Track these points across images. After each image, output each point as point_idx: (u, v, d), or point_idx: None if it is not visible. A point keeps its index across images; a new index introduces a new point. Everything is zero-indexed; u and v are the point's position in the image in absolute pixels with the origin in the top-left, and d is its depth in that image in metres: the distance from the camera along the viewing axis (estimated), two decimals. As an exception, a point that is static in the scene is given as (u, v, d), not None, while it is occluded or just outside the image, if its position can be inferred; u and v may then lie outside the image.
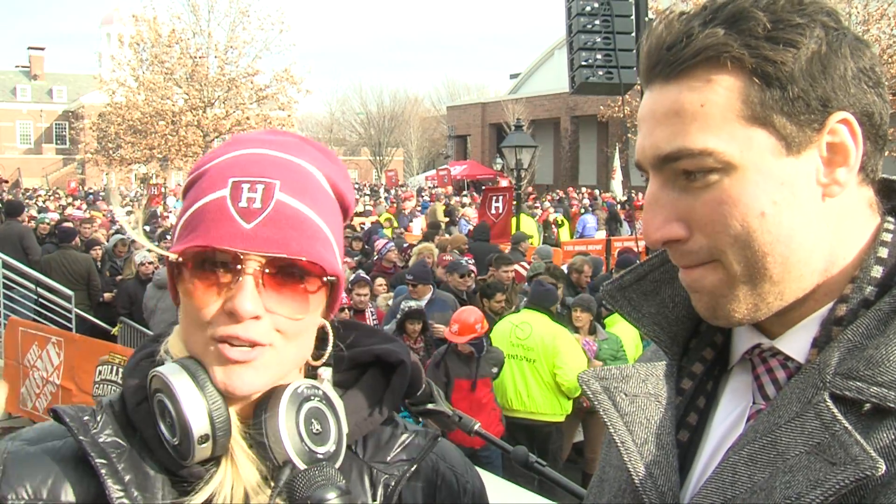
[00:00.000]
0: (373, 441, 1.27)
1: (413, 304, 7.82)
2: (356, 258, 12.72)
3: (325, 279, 1.13)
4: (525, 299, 7.97)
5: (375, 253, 11.97)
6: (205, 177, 1.14)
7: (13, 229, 11.98)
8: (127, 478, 1.09)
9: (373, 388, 1.28)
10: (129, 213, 16.95)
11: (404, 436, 1.29)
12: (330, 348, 1.24)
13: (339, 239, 1.19)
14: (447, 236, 14.22)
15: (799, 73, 0.93)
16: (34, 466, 1.09)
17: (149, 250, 11.20)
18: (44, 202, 31.64)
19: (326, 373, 1.22)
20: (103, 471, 1.08)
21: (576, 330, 7.71)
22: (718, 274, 1.00)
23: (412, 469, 1.25)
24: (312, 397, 1.16)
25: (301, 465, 1.10)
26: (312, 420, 1.14)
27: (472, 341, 6.61)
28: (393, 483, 1.23)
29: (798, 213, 0.96)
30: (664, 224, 1.01)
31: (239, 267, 1.07)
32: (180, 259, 1.09)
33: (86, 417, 1.13)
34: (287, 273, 1.10)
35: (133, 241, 13.35)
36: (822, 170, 0.97)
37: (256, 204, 1.07)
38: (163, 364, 1.15)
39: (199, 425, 1.07)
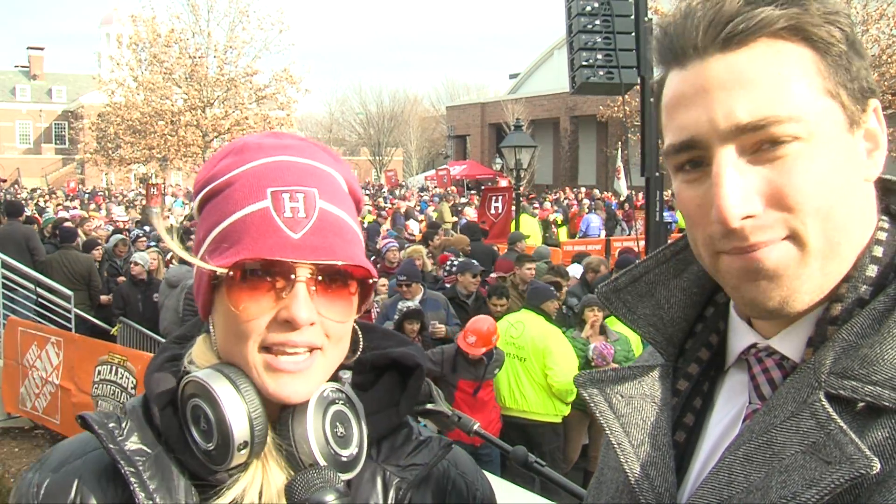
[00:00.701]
0: (387, 444, 1.28)
1: (410, 304, 7.80)
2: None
3: (370, 281, 1.18)
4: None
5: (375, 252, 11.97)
6: (234, 187, 1.15)
7: (17, 230, 11.96)
8: (152, 486, 1.10)
9: (390, 392, 1.29)
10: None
11: (418, 440, 1.30)
12: (360, 350, 1.26)
13: (363, 239, 1.23)
14: (451, 236, 14.22)
15: (853, 54, 0.96)
16: (61, 493, 1.13)
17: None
18: (45, 202, 31.65)
19: (347, 375, 1.24)
20: (133, 479, 1.09)
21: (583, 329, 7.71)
22: (792, 251, 0.94)
23: (425, 474, 1.26)
24: (337, 400, 1.18)
25: None
26: (337, 423, 1.16)
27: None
28: (405, 486, 1.24)
29: (858, 189, 0.98)
30: (745, 199, 0.94)
31: (293, 276, 1.09)
32: (230, 272, 1.10)
33: (111, 424, 1.15)
34: (333, 278, 1.13)
35: (134, 242, 13.35)
36: (866, 151, 0.99)
37: (301, 213, 1.11)
38: (190, 371, 1.16)
39: (240, 431, 1.08)
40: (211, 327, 1.19)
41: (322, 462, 1.12)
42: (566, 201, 29.70)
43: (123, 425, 1.15)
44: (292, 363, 1.11)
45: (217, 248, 1.13)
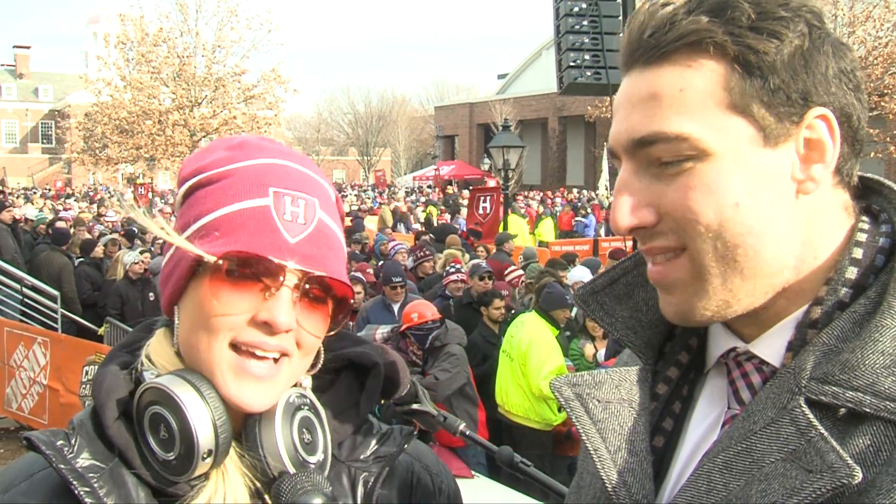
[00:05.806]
0: (348, 441, 1.26)
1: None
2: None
3: (351, 301, 1.17)
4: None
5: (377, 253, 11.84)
6: (232, 179, 1.12)
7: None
8: (110, 502, 1.05)
9: (348, 393, 1.28)
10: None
11: (379, 434, 1.29)
12: (319, 365, 1.23)
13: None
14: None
15: (781, 65, 0.93)
16: None
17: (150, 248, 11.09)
18: (43, 204, 31.34)
19: (306, 380, 1.21)
20: (88, 500, 1.04)
21: (590, 337, 7.64)
22: (686, 266, 0.98)
23: (391, 465, 1.25)
24: (303, 406, 1.16)
25: None
26: (304, 430, 1.14)
27: (413, 331, 6.40)
28: (372, 480, 1.22)
29: (771, 206, 0.95)
30: (633, 210, 1.00)
31: (280, 279, 1.07)
32: (219, 261, 1.07)
33: (59, 442, 1.08)
34: (317, 291, 1.12)
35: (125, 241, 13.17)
36: (798, 165, 0.95)
37: (301, 219, 1.10)
38: (145, 375, 1.13)
39: (205, 439, 1.05)
40: (176, 318, 1.14)
41: (292, 470, 1.10)
42: (537, 200, 29.71)
43: (73, 442, 1.09)
44: (260, 368, 1.08)
45: (207, 236, 1.09)
